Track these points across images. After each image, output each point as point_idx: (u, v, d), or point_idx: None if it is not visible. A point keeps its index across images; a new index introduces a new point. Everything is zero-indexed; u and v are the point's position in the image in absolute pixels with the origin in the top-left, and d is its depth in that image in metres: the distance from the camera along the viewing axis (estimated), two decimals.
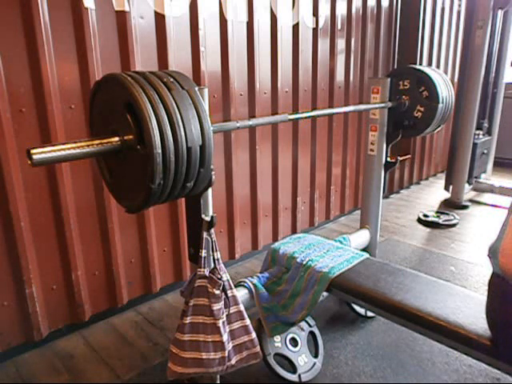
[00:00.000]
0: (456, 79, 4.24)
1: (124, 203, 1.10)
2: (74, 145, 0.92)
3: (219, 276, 1.21)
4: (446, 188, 3.76)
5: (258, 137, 2.44)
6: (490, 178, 4.06)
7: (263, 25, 2.35)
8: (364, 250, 2.03)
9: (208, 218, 1.19)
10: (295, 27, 2.53)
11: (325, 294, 1.60)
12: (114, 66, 1.80)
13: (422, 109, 1.95)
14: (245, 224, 2.57)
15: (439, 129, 2.10)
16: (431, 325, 1.26)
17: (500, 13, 3.42)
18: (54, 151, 0.90)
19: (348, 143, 3.18)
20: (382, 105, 1.98)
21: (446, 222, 3.22)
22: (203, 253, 1.19)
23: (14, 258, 1.65)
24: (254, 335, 1.27)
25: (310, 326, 1.76)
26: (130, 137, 0.95)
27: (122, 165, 1.04)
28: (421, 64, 3.60)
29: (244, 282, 1.61)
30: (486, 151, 3.77)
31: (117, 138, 0.98)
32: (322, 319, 2.02)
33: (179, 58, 2.00)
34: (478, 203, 3.72)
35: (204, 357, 1.17)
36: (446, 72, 4.22)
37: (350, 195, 3.39)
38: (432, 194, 4.04)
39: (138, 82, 0.93)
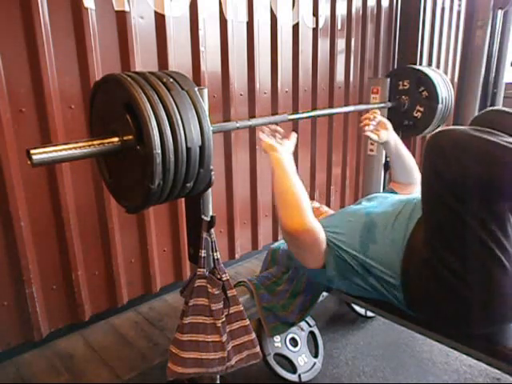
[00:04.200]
0: (456, 79, 4.24)
1: (124, 203, 1.10)
2: (74, 145, 0.92)
3: (219, 276, 1.21)
4: None
5: (258, 137, 2.43)
6: None
7: (263, 25, 2.35)
8: None
9: (208, 218, 1.19)
10: (295, 27, 2.53)
11: (325, 294, 1.60)
12: (114, 66, 1.80)
13: (421, 109, 1.96)
14: (245, 224, 2.57)
15: (439, 129, 2.10)
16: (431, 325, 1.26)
17: (500, 13, 3.42)
18: (54, 151, 0.90)
19: (348, 143, 3.18)
20: (382, 105, 1.98)
21: None
22: (203, 253, 1.19)
23: (14, 258, 1.65)
24: (253, 335, 1.27)
25: (309, 326, 1.76)
26: (130, 137, 0.95)
27: (121, 165, 1.05)
28: (421, 64, 3.60)
29: (244, 282, 1.61)
30: None
31: (117, 139, 0.98)
32: (322, 319, 2.02)
33: (179, 58, 2.00)
34: None
35: (204, 357, 1.16)
36: (445, 72, 4.21)
37: (350, 195, 3.38)
38: None
39: (137, 83, 0.93)
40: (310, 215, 1.22)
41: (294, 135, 1.44)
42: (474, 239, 0.96)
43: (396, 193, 1.63)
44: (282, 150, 1.36)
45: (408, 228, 1.18)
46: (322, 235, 1.26)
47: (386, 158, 2.03)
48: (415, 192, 1.65)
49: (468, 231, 0.96)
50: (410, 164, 1.69)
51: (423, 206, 1.09)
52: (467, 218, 0.95)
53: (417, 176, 1.67)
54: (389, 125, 1.69)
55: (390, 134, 1.68)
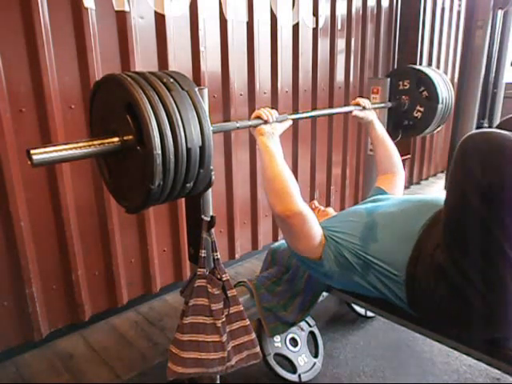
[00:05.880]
0: (456, 79, 4.24)
1: (123, 203, 1.10)
2: (74, 145, 0.92)
3: (219, 276, 1.21)
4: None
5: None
6: None
7: (263, 25, 2.35)
8: None
9: (208, 218, 1.19)
10: (295, 27, 2.53)
11: (325, 294, 1.60)
12: (114, 66, 1.80)
13: (421, 109, 1.96)
14: (245, 224, 2.57)
15: (439, 129, 2.11)
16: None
17: (500, 13, 3.41)
18: (54, 151, 0.89)
19: (348, 143, 3.18)
20: (382, 105, 1.98)
21: None
22: (203, 253, 1.19)
23: (13, 258, 1.65)
24: (253, 335, 1.27)
25: (310, 326, 1.76)
26: (130, 137, 0.95)
27: (121, 165, 1.04)
28: (421, 64, 3.60)
29: (244, 282, 1.62)
30: None
31: (117, 139, 0.98)
32: (322, 319, 2.02)
33: (179, 58, 2.00)
34: None
35: (204, 357, 1.16)
36: (446, 72, 4.22)
37: (350, 195, 3.39)
38: (432, 193, 4.04)
39: (137, 83, 0.93)
40: (298, 200, 1.25)
41: (288, 121, 1.44)
42: (495, 248, 0.95)
43: (386, 192, 1.64)
44: (270, 133, 1.35)
45: (414, 228, 1.18)
46: (313, 221, 1.28)
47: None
48: (397, 183, 1.70)
49: (490, 238, 0.95)
50: (393, 151, 1.75)
51: (447, 210, 1.06)
52: (491, 225, 0.94)
53: (398, 163, 1.74)
54: (373, 111, 1.81)
55: (374, 117, 1.79)
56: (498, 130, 0.97)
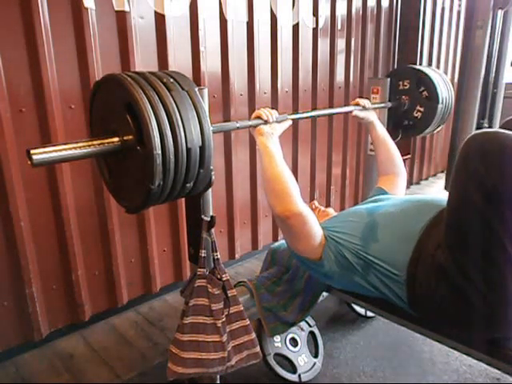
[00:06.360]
0: (456, 79, 4.24)
1: (123, 203, 1.10)
2: (74, 145, 0.92)
3: (219, 276, 1.21)
4: (446, 188, 3.76)
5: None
6: None
7: (263, 25, 2.35)
8: None
9: (208, 218, 1.19)
10: (295, 27, 2.53)
11: (325, 294, 1.60)
12: (114, 66, 1.80)
13: (421, 109, 1.96)
14: (245, 224, 2.57)
15: (439, 129, 2.11)
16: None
17: (500, 13, 3.41)
18: (54, 151, 0.90)
19: (348, 143, 3.18)
20: (382, 105, 1.98)
21: None
22: (203, 253, 1.19)
23: (13, 258, 1.65)
24: (253, 335, 1.27)
25: (309, 326, 1.76)
26: (130, 137, 0.95)
27: (121, 165, 1.05)
28: (421, 64, 3.60)
29: (244, 282, 1.62)
30: None
31: (117, 139, 0.98)
32: (322, 319, 2.02)
33: (179, 58, 2.00)
34: None
35: (204, 357, 1.16)
36: (446, 72, 4.22)
37: (350, 195, 3.38)
38: (432, 193, 4.04)
39: (137, 83, 0.93)
40: (298, 200, 1.25)
41: (288, 121, 1.44)
42: (497, 248, 0.95)
43: (387, 192, 1.64)
44: (269, 134, 1.35)
45: (415, 229, 1.18)
46: (313, 221, 1.28)
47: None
48: (399, 183, 1.71)
49: (492, 238, 0.95)
50: (395, 152, 1.76)
51: (450, 210, 1.06)
52: (494, 225, 0.94)
53: (400, 164, 1.74)
54: (374, 111, 1.82)
55: (375, 118, 1.79)
56: (502, 130, 0.96)
